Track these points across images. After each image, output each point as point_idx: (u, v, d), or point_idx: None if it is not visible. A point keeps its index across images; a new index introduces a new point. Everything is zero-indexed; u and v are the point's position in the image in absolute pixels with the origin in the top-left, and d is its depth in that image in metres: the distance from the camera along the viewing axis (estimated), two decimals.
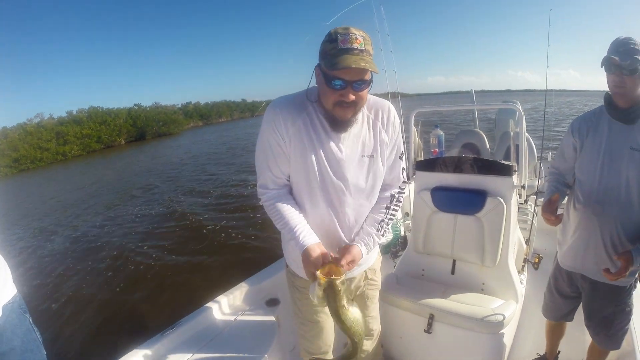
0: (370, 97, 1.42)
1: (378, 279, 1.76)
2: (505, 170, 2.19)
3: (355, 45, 1.17)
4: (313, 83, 1.36)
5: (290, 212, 1.39)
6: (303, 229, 1.37)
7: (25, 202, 14.69)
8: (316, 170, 1.37)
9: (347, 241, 1.49)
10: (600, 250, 1.72)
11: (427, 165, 2.41)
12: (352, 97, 1.24)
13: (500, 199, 2.11)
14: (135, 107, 52.67)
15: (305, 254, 1.31)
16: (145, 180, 15.57)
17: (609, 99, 1.68)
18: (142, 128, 46.45)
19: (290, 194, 1.47)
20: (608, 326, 1.82)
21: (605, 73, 1.61)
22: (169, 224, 8.96)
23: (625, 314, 1.79)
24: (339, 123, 1.33)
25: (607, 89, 1.66)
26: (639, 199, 1.60)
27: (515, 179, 2.22)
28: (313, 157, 1.36)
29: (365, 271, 1.67)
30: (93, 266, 7.00)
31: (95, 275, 6.60)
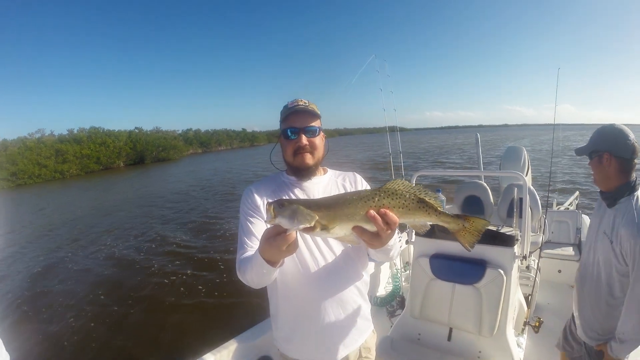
0: (335, 171, 1.64)
1: (372, 356, 1.69)
2: (507, 241, 2.17)
3: (301, 103, 1.47)
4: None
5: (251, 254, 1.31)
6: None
7: None
8: None
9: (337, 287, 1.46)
10: (582, 320, 1.86)
11: (426, 231, 2.38)
12: (305, 141, 1.45)
13: (500, 270, 2.09)
14: (136, 131, 52.99)
15: (262, 246, 1.13)
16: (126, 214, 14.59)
17: None
18: (142, 152, 46.55)
19: None
20: None
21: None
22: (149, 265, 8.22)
23: None
24: (302, 172, 1.49)
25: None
26: (607, 281, 1.71)
27: (517, 248, 2.20)
28: None
29: (360, 349, 1.60)
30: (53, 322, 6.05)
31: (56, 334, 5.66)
